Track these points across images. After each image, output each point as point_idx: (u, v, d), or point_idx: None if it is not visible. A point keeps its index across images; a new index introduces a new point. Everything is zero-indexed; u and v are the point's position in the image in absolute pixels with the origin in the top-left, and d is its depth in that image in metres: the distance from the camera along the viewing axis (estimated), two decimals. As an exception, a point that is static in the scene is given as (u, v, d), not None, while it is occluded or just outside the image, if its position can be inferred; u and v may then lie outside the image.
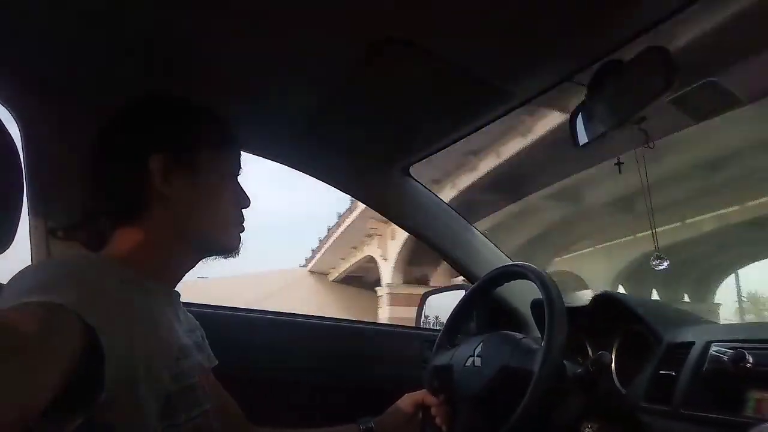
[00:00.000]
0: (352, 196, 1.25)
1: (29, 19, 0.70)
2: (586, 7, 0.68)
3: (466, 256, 1.28)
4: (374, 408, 0.89)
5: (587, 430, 0.80)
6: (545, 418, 0.74)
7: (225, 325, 1.13)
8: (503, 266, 0.98)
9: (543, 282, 0.79)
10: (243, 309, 1.27)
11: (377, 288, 16.96)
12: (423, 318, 1.51)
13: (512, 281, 0.95)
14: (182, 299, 0.74)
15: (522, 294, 1.25)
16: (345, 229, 17.16)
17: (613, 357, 0.92)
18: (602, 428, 0.82)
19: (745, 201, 13.67)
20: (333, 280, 23.60)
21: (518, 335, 0.84)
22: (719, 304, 24.22)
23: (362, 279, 21.86)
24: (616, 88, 0.80)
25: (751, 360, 0.66)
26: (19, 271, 0.54)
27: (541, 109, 8.15)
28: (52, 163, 0.91)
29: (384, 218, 1.33)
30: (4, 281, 0.57)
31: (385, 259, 16.14)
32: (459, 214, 1.30)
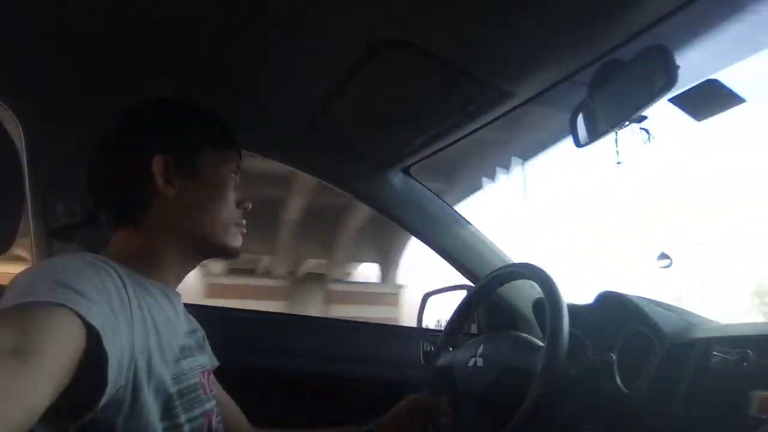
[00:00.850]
0: (353, 196, 1.25)
1: (29, 19, 0.70)
2: (586, 7, 0.68)
3: (467, 257, 1.28)
4: (374, 408, 0.89)
5: (590, 430, 0.80)
6: (548, 418, 0.74)
7: (226, 325, 1.13)
8: (505, 266, 0.98)
9: (545, 282, 0.79)
10: (244, 309, 1.27)
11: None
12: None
13: (514, 281, 0.94)
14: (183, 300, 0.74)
15: (524, 294, 1.25)
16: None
17: (616, 357, 0.92)
18: (605, 428, 0.81)
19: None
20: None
21: (520, 335, 0.84)
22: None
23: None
24: (617, 88, 0.80)
25: (753, 359, 0.66)
26: (20, 272, 0.54)
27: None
28: (53, 163, 0.91)
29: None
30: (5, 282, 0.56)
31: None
32: (459, 214, 1.30)
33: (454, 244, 1.28)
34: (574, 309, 0.78)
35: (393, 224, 1.25)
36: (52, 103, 0.87)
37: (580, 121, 0.90)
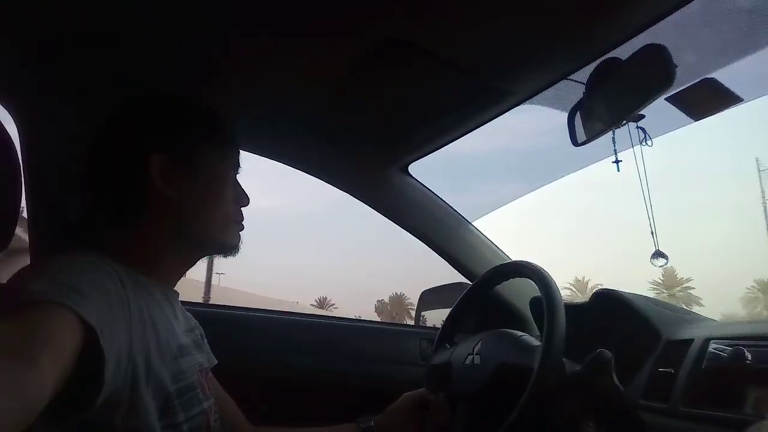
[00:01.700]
0: (352, 195, 1.25)
1: (28, 19, 0.70)
2: (585, 6, 0.69)
3: (465, 254, 1.28)
4: (374, 407, 0.89)
5: (586, 427, 0.80)
6: (544, 415, 0.74)
7: (224, 324, 1.13)
8: (502, 264, 0.98)
9: (542, 280, 0.79)
10: (242, 308, 1.27)
11: None
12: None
13: (511, 279, 0.95)
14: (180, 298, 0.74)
15: (521, 292, 1.25)
16: None
17: (613, 355, 0.92)
18: (601, 426, 0.82)
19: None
20: None
21: (517, 333, 0.84)
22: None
23: None
24: (615, 87, 0.80)
25: (749, 357, 0.67)
26: (19, 271, 0.54)
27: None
28: (51, 162, 0.91)
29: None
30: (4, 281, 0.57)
31: None
32: (458, 212, 1.30)
33: (452, 243, 1.28)
34: (571, 307, 0.78)
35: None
36: (51, 102, 0.87)
37: (578, 119, 0.90)
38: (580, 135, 0.90)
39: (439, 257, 1.30)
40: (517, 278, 0.90)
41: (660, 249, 0.85)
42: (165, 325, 0.64)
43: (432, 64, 0.80)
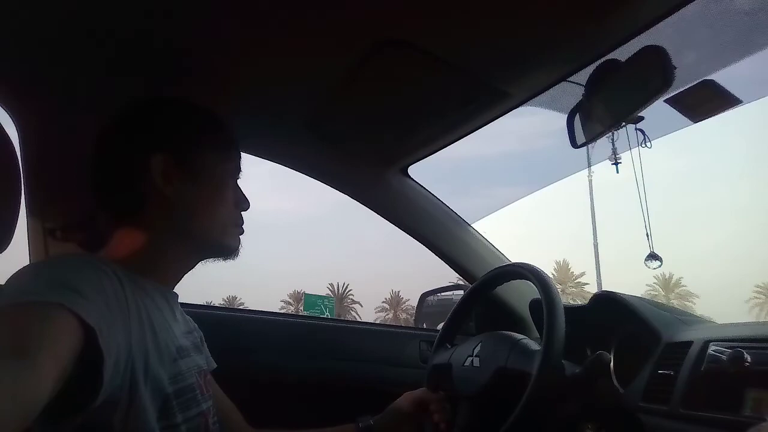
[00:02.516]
0: (351, 197, 1.25)
1: (27, 20, 0.70)
2: (584, 7, 0.69)
3: (465, 257, 1.28)
4: (374, 407, 0.89)
5: (586, 429, 0.80)
6: (544, 417, 0.74)
7: (224, 326, 1.13)
8: (502, 266, 0.98)
9: (542, 282, 0.79)
10: (242, 310, 1.27)
11: None
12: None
13: (511, 281, 0.95)
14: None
15: (521, 294, 1.25)
16: None
17: (612, 357, 0.92)
18: (601, 428, 0.82)
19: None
20: None
21: (517, 335, 0.84)
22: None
23: None
24: (614, 88, 0.80)
25: (749, 359, 0.67)
26: (18, 271, 0.54)
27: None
28: (50, 163, 0.91)
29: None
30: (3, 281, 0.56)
31: None
32: (457, 214, 1.30)
33: (451, 245, 1.28)
34: (570, 309, 0.78)
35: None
36: (50, 102, 0.87)
37: (577, 121, 0.90)
38: (580, 137, 0.90)
39: (439, 259, 1.30)
40: (517, 280, 0.90)
41: (654, 251, 0.85)
42: (164, 327, 0.63)
43: (432, 65, 0.80)
